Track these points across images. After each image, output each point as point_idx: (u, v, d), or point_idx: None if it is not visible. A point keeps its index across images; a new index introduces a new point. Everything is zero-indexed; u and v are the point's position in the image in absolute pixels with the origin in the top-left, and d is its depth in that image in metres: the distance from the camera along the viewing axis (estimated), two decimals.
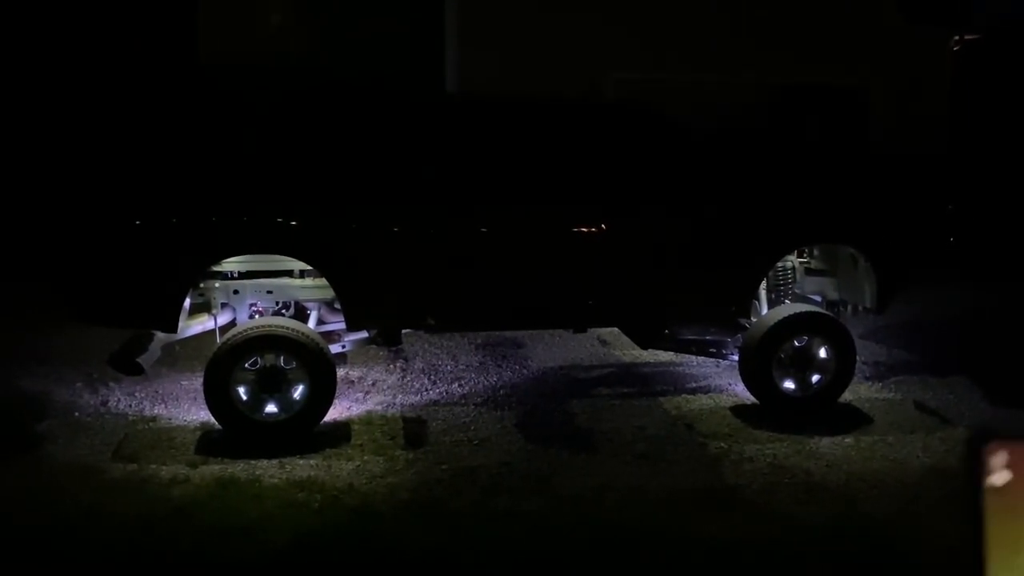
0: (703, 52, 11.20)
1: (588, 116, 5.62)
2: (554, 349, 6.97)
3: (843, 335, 5.44)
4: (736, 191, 5.69)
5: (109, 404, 5.54)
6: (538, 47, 10.76)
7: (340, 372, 5.51)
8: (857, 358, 5.66)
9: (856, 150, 11.42)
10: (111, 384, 5.81)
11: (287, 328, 4.85)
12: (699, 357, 6.26)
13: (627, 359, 6.76)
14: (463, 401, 5.73)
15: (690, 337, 5.89)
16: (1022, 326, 7.74)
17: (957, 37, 12.37)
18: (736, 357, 5.70)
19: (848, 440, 5.04)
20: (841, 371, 5.45)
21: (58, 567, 3.52)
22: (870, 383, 6.17)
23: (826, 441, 5.00)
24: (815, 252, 6.13)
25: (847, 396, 5.64)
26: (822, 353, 5.42)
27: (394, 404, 5.63)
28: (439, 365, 6.53)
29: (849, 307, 5.94)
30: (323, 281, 5.07)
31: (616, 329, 6.20)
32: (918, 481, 4.48)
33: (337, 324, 5.36)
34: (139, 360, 4.79)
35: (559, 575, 3.54)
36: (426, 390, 5.94)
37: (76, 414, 5.35)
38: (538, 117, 5.47)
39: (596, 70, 10.64)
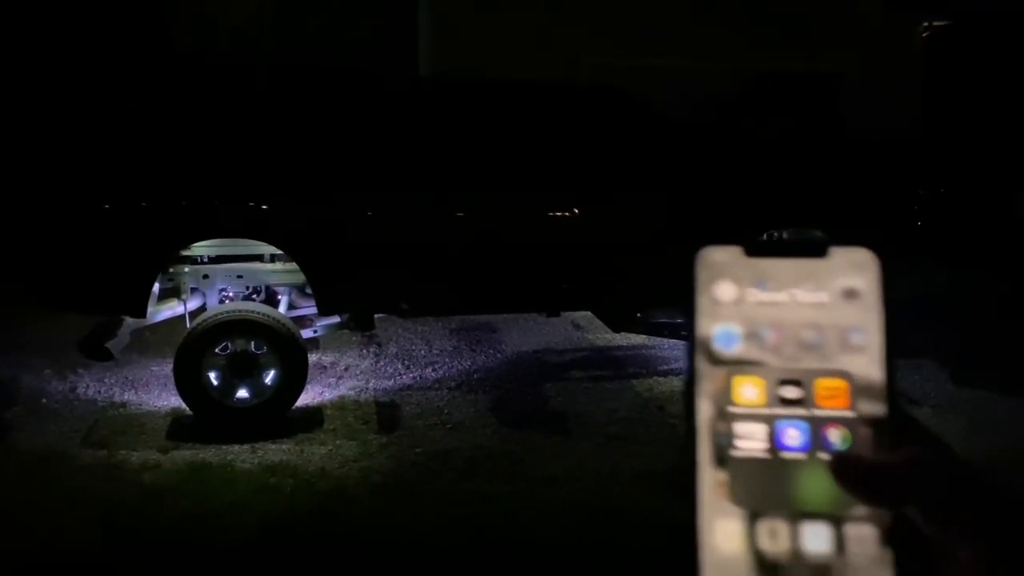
0: (678, 38, 11.22)
1: (562, 100, 5.61)
2: (528, 333, 6.99)
3: None
4: (707, 176, 5.71)
5: (78, 391, 5.48)
6: (512, 31, 10.72)
7: (312, 357, 5.50)
8: None
9: (828, 135, 11.51)
10: (80, 370, 5.75)
11: (258, 313, 4.82)
12: (671, 340, 6.30)
13: (600, 343, 6.79)
14: (437, 385, 5.73)
15: (662, 320, 5.93)
16: (988, 309, 7.87)
17: (927, 23, 12.48)
18: None
19: None
20: None
21: (27, 552, 3.49)
22: None
23: None
24: (785, 236, 6.18)
25: None
26: None
27: (367, 389, 5.62)
28: (413, 350, 6.52)
29: None
30: (294, 266, 5.04)
31: (589, 313, 6.23)
32: None
33: (309, 309, 5.34)
34: (108, 346, 4.75)
35: (533, 557, 3.57)
36: (399, 375, 5.94)
37: (44, 401, 5.29)
38: (511, 101, 5.46)
39: (570, 55, 10.62)
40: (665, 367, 6.17)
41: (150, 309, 4.93)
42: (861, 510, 0.48)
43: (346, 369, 6.02)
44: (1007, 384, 5.65)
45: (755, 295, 0.50)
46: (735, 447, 0.49)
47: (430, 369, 6.07)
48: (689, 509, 0.49)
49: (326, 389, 5.57)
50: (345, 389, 5.60)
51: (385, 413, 5.19)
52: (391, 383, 5.76)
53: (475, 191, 5.16)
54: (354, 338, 6.61)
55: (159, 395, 5.39)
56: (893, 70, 11.90)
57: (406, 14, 11.90)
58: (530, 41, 10.59)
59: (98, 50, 10.68)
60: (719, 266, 0.50)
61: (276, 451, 4.54)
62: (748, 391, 0.50)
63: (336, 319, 5.40)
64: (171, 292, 5.25)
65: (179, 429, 4.84)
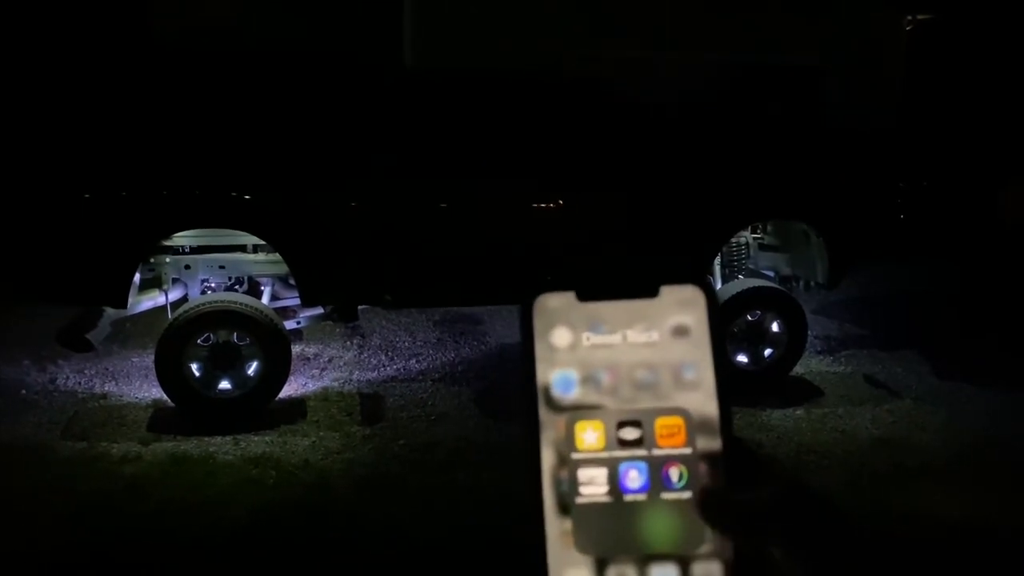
0: (663, 30, 11.20)
1: (546, 91, 5.60)
2: (511, 325, 6.98)
3: (795, 310, 5.53)
4: (691, 167, 5.72)
5: (58, 382, 5.43)
6: (497, 22, 10.68)
7: (295, 348, 5.47)
8: (809, 332, 5.76)
9: (810, 128, 11.54)
10: (60, 362, 5.69)
11: (240, 304, 4.79)
12: None
13: None
14: (421, 377, 5.72)
15: None
16: (968, 301, 7.93)
17: (910, 17, 12.52)
18: None
19: (799, 412, 5.13)
20: (793, 345, 5.54)
21: (5, 545, 3.46)
22: (821, 357, 6.29)
23: (778, 413, 5.09)
24: (769, 228, 6.21)
25: (799, 369, 5.74)
26: (775, 327, 5.50)
27: (351, 380, 5.60)
28: (396, 341, 6.50)
29: (801, 282, 6.03)
30: (277, 256, 5.00)
31: None
32: (866, 452, 4.58)
33: (292, 300, 5.31)
34: (88, 337, 4.70)
35: (516, 549, 3.56)
36: (383, 366, 5.92)
37: (23, 392, 5.23)
38: (496, 91, 5.44)
39: (555, 45, 10.58)
40: None
41: (131, 299, 4.88)
42: (706, 548, 0.49)
43: (329, 360, 5.99)
44: (988, 377, 5.70)
45: (590, 339, 0.51)
46: (579, 494, 0.50)
47: (414, 361, 6.05)
48: (537, 562, 0.50)
49: (309, 380, 5.54)
50: (328, 381, 5.57)
51: (368, 405, 5.18)
52: (374, 375, 5.74)
53: (459, 182, 5.14)
54: (337, 329, 6.58)
55: (140, 386, 5.35)
56: (876, 63, 11.94)
57: (391, 4, 11.80)
58: (516, 31, 10.54)
59: (78, 39, 10.54)
60: (554, 312, 0.51)
61: (259, 443, 4.51)
62: (589, 436, 0.50)
63: (319, 310, 5.37)
64: (152, 282, 5.21)
65: (160, 421, 4.80)
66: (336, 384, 5.52)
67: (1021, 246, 7.11)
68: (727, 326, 5.41)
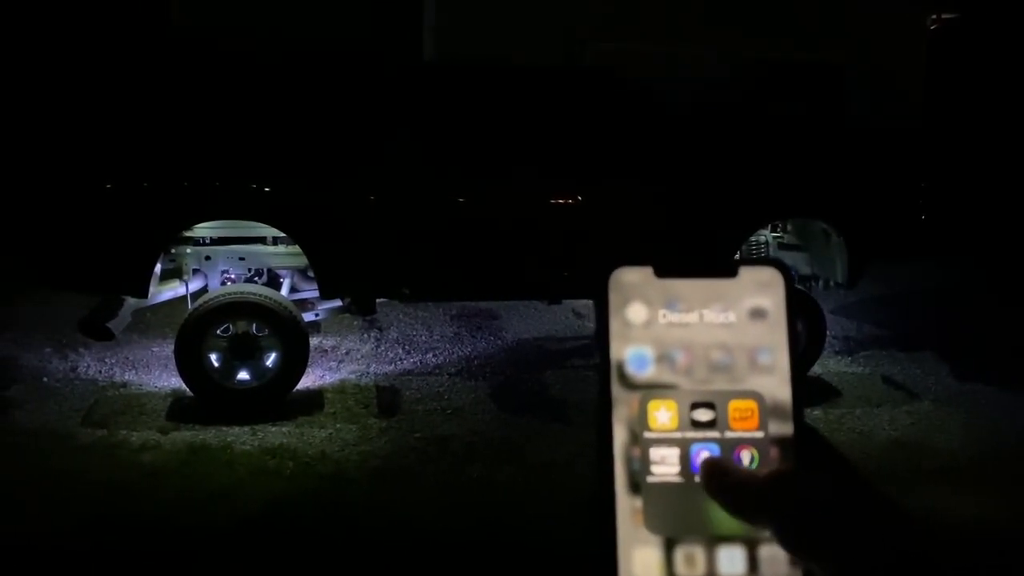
0: (681, 24, 11.16)
1: (565, 85, 5.58)
2: (528, 320, 6.99)
3: (814, 309, 5.50)
4: (710, 164, 5.70)
5: (79, 370, 5.48)
6: (516, 16, 10.67)
7: (313, 340, 5.50)
8: (827, 332, 5.72)
9: (831, 126, 11.46)
10: (81, 350, 5.75)
11: (260, 295, 4.82)
12: None
13: None
14: (437, 371, 5.73)
15: None
16: (988, 302, 7.86)
17: (934, 16, 12.41)
18: None
19: (816, 413, 5.11)
20: (811, 345, 5.50)
21: (26, 532, 3.50)
22: (839, 357, 6.25)
23: None
24: (788, 226, 6.17)
25: (816, 369, 5.71)
26: None
27: (368, 373, 5.62)
28: (413, 335, 6.52)
29: (820, 281, 5.99)
30: (297, 248, 5.03)
31: (590, 301, 6.21)
32: (884, 454, 4.55)
33: (311, 292, 5.34)
34: (109, 325, 4.74)
35: (531, 542, 3.57)
36: (400, 359, 5.94)
37: (45, 380, 5.29)
38: (515, 86, 5.43)
39: (573, 40, 10.57)
40: None
41: (152, 289, 4.93)
42: None
43: (347, 353, 6.02)
44: (1007, 378, 5.65)
45: (666, 316, 0.50)
46: (650, 473, 0.49)
47: (430, 355, 6.07)
48: (607, 538, 0.49)
49: (327, 372, 5.57)
50: (346, 373, 5.60)
51: (385, 398, 5.20)
52: (391, 368, 5.76)
53: (477, 176, 5.14)
54: (355, 322, 6.60)
55: (160, 376, 5.39)
56: (898, 62, 11.84)
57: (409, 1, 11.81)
58: (534, 26, 10.54)
59: (102, 32, 10.63)
60: (631, 287, 0.51)
61: (276, 433, 4.54)
62: (662, 415, 0.50)
63: (338, 303, 5.39)
64: (173, 273, 5.25)
65: (179, 410, 4.84)
66: (353, 376, 5.54)
67: None
68: None
